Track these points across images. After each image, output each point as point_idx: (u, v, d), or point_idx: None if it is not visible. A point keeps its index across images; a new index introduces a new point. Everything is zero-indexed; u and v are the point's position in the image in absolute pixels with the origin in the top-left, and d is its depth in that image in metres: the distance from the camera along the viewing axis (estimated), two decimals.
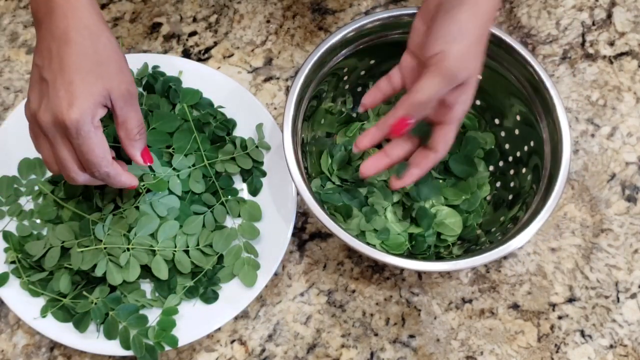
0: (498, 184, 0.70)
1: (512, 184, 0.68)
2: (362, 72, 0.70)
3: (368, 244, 0.60)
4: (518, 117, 0.67)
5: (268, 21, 0.81)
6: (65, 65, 0.53)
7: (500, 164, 0.71)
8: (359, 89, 0.72)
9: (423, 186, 0.69)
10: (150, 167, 0.68)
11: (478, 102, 0.71)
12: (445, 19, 0.53)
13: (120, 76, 0.55)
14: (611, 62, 0.80)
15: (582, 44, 0.80)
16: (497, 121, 0.71)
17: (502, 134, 0.70)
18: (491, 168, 0.72)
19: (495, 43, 0.64)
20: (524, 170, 0.67)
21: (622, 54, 0.80)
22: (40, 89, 0.54)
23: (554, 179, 0.61)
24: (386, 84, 0.61)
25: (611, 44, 0.80)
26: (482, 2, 0.53)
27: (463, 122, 0.73)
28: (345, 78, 0.69)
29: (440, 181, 0.71)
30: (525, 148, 0.67)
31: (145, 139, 0.59)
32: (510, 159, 0.69)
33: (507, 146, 0.70)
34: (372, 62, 0.69)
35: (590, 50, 0.80)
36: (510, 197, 0.67)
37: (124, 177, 0.59)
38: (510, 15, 0.81)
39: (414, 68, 0.59)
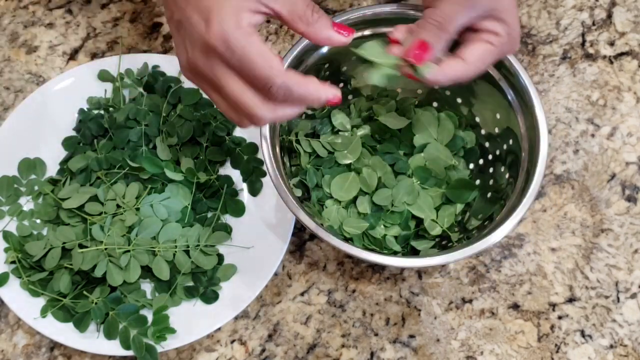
0: (478, 182, 0.70)
1: (491, 182, 0.68)
2: (344, 68, 0.70)
3: (345, 237, 0.59)
4: (498, 115, 0.67)
5: (268, 21, 0.81)
6: None
7: (481, 162, 0.71)
8: (341, 85, 0.72)
9: (399, 190, 0.69)
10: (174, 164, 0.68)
11: (459, 100, 0.71)
12: None
13: None
14: (611, 62, 0.80)
15: (582, 44, 0.80)
16: (478, 119, 0.71)
17: (483, 132, 0.71)
18: (471, 166, 0.72)
19: None
20: (502, 168, 0.67)
21: (622, 54, 0.80)
22: (180, 35, 0.48)
23: (530, 176, 0.61)
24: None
25: (611, 44, 0.80)
26: None
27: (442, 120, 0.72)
28: (327, 74, 0.69)
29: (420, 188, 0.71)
30: (505, 146, 0.67)
31: (324, 15, 0.48)
32: (490, 157, 0.70)
33: (487, 144, 0.70)
34: (354, 57, 0.69)
35: (590, 50, 0.80)
36: (489, 194, 0.68)
37: (312, 88, 0.47)
38: None
39: None
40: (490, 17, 0.52)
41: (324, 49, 0.66)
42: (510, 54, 0.55)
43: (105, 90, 0.74)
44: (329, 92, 0.48)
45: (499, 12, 0.52)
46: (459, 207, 0.70)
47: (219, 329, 0.69)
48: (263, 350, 0.69)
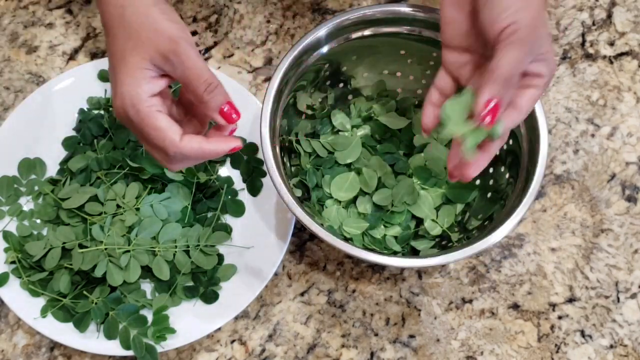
0: (478, 182, 0.70)
1: (491, 182, 0.68)
2: (344, 68, 0.70)
3: (345, 237, 0.60)
4: None
5: (268, 21, 0.81)
6: (109, 53, 0.52)
7: None
8: (341, 84, 0.72)
9: (399, 190, 0.69)
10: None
11: None
12: None
13: (155, 39, 0.49)
14: (611, 62, 0.80)
15: (582, 44, 0.80)
16: None
17: None
18: None
19: None
20: (502, 168, 0.67)
21: (622, 54, 0.80)
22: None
23: (530, 176, 0.61)
24: (437, 96, 0.56)
25: (611, 44, 0.80)
26: None
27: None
28: (327, 74, 0.70)
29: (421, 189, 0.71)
30: (505, 146, 0.67)
31: (219, 92, 0.51)
32: None
33: None
34: (354, 57, 0.69)
35: (590, 50, 0.80)
36: (489, 194, 0.68)
37: (207, 150, 0.51)
38: None
39: (467, 62, 0.55)
40: (536, 59, 0.51)
41: (324, 49, 0.66)
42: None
43: (106, 90, 0.74)
44: (227, 147, 0.52)
45: (543, 53, 0.51)
46: (459, 207, 0.70)
47: (219, 329, 0.69)
48: (263, 350, 0.69)
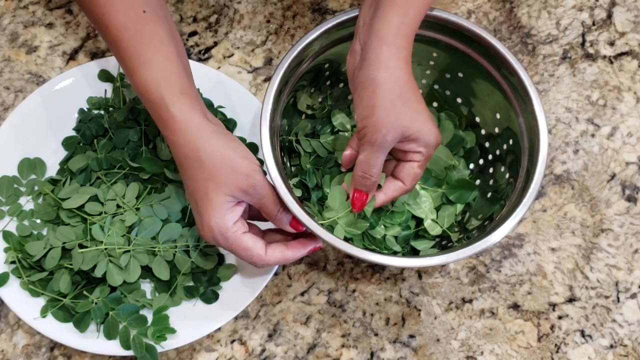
0: (478, 182, 0.70)
1: (491, 182, 0.68)
2: (344, 68, 0.70)
3: (345, 237, 0.61)
4: (498, 115, 0.67)
5: (268, 21, 0.81)
6: (188, 190, 0.59)
7: (481, 162, 0.71)
8: (341, 85, 0.72)
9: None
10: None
11: (459, 100, 0.71)
12: (356, 97, 0.58)
13: (233, 178, 0.57)
14: (611, 62, 0.80)
15: (582, 44, 0.80)
16: (478, 119, 0.71)
17: (483, 132, 0.71)
18: (471, 166, 0.72)
19: (473, 40, 0.64)
20: (502, 168, 0.67)
21: (622, 54, 0.80)
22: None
23: (530, 176, 0.61)
24: (356, 142, 0.65)
25: (611, 44, 0.80)
26: (392, 66, 0.57)
27: (442, 121, 0.72)
28: (327, 74, 0.69)
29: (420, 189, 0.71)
30: (505, 146, 0.67)
31: (286, 214, 0.61)
32: (490, 157, 0.70)
33: (487, 144, 0.70)
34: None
35: (590, 50, 0.80)
36: (489, 194, 0.68)
37: (290, 256, 0.61)
38: (510, 15, 0.81)
39: None
40: (405, 140, 0.59)
41: (324, 49, 0.66)
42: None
43: (105, 90, 0.74)
44: (305, 251, 0.61)
45: (410, 135, 0.58)
46: (459, 207, 0.70)
47: (219, 329, 0.69)
48: (263, 350, 0.69)
